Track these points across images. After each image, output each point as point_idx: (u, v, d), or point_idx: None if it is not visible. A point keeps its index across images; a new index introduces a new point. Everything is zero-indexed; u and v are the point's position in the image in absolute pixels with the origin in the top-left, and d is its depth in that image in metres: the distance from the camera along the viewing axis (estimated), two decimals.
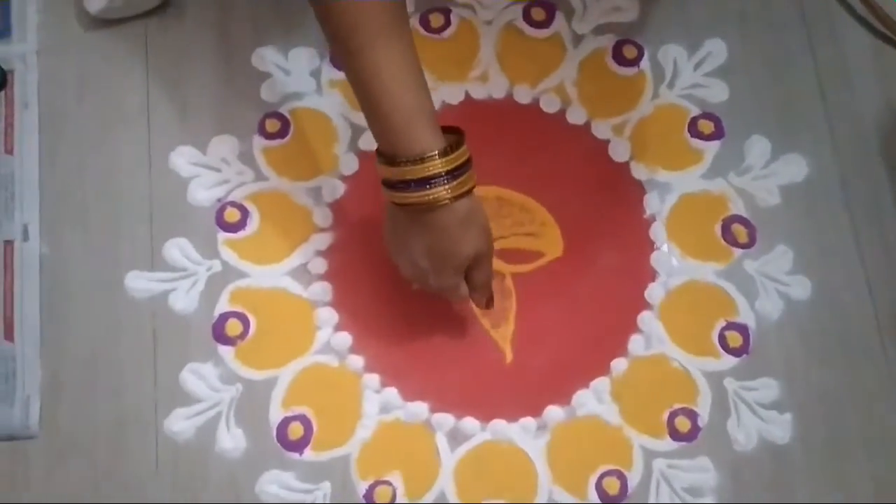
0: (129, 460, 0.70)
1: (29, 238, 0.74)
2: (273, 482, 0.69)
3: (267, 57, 0.80)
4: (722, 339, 0.74)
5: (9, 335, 0.72)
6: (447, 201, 0.59)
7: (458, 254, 0.63)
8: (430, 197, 0.59)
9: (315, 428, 0.71)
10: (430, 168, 0.58)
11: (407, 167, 0.59)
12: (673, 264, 0.76)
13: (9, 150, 0.76)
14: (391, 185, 0.61)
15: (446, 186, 0.59)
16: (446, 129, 0.61)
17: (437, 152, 0.58)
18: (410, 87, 0.59)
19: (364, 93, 0.59)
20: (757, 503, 0.70)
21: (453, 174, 0.59)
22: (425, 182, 0.59)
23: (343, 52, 0.59)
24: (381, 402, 0.72)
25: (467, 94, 0.80)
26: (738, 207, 0.77)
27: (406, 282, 0.73)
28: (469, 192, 0.61)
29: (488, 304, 0.69)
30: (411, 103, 0.58)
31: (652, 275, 0.75)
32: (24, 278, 0.73)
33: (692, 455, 0.71)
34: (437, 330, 0.74)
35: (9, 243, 0.74)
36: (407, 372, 0.72)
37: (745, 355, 0.73)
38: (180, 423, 0.70)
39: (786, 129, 0.79)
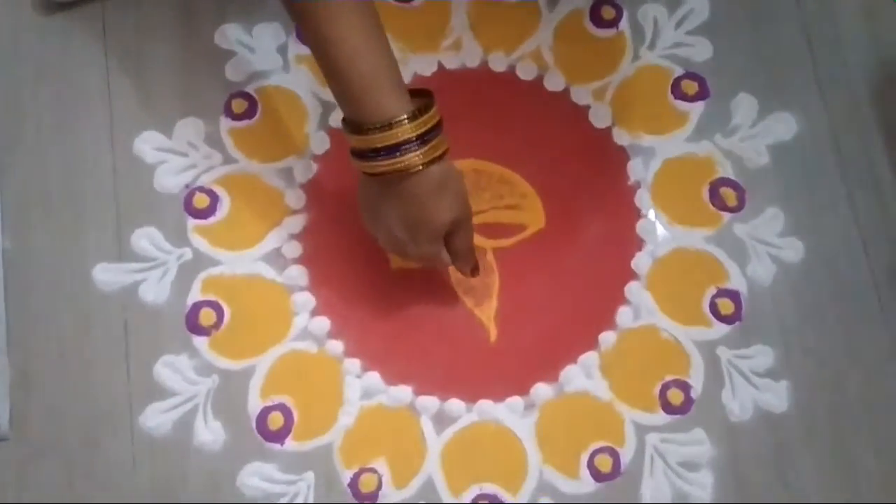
0: (105, 458, 0.67)
1: None
2: (255, 475, 0.67)
3: (230, 34, 0.77)
4: (713, 307, 0.71)
5: None
6: (419, 167, 0.57)
7: (435, 221, 0.60)
8: (401, 164, 0.57)
9: (296, 417, 0.68)
10: (399, 133, 0.56)
11: (375, 134, 0.57)
12: (660, 232, 0.73)
13: None
14: (360, 154, 0.59)
15: (417, 152, 0.57)
16: (414, 93, 0.59)
17: (405, 117, 0.56)
18: (373, 51, 0.56)
19: (325, 60, 0.57)
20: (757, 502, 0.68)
21: (423, 138, 0.57)
22: (395, 149, 0.56)
23: (302, 19, 0.57)
24: (362, 388, 0.69)
25: (440, 65, 0.77)
26: (725, 170, 0.75)
27: (385, 259, 0.71)
28: (442, 156, 0.59)
29: (473, 271, 0.67)
30: (374, 67, 0.56)
31: (638, 244, 0.73)
32: None
33: (686, 428, 0.68)
34: (419, 310, 0.71)
35: None
36: (388, 355, 0.70)
37: (737, 322, 0.71)
38: (156, 418, 0.68)
39: (773, 86, 0.77)
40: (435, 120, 0.58)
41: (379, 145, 0.57)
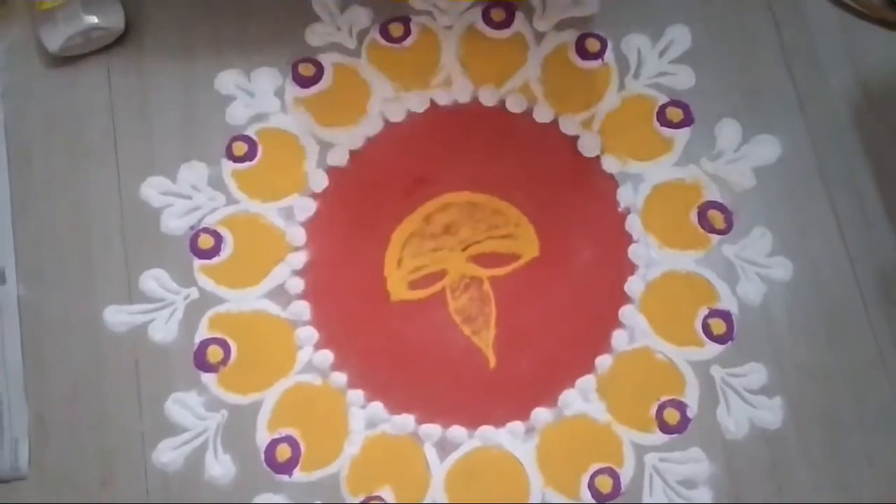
0: (120, 494, 0.70)
1: (6, 281, 0.74)
2: None
3: (229, 80, 0.80)
4: (705, 327, 0.73)
5: None
6: None
7: None
8: None
9: (303, 448, 0.71)
10: None
11: None
12: (651, 256, 0.75)
13: None
14: None
15: None
16: None
17: None
18: None
19: None
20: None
21: None
22: None
23: None
24: (366, 417, 0.71)
25: (432, 102, 0.79)
26: (712, 193, 0.77)
27: (385, 293, 0.74)
28: None
29: None
30: None
31: (631, 268, 0.75)
32: (5, 321, 0.73)
33: (683, 447, 0.70)
34: (419, 340, 0.73)
35: None
36: (390, 385, 0.72)
37: (730, 342, 0.73)
38: (168, 454, 0.70)
39: (756, 110, 0.79)
40: None
41: None
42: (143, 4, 0.82)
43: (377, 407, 0.72)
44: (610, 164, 0.78)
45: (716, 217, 0.76)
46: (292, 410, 0.72)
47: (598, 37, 0.81)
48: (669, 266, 0.75)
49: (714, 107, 0.79)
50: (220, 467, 0.70)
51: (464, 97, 0.80)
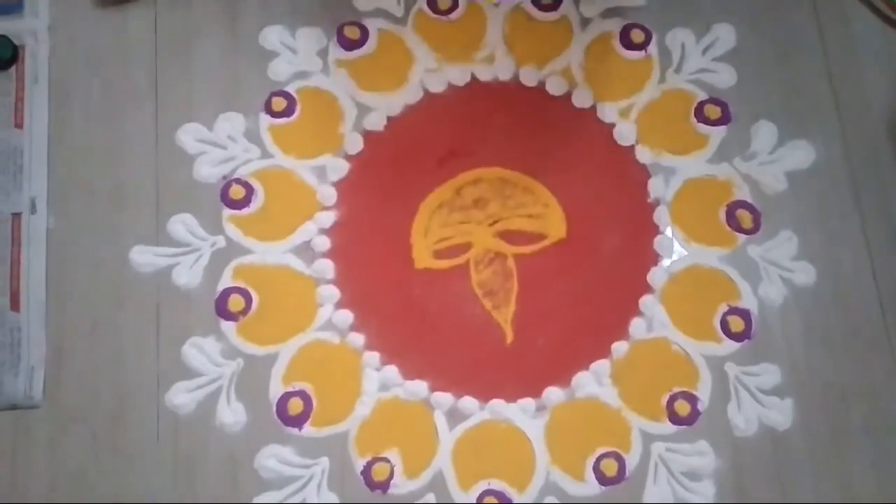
0: (131, 432, 0.70)
1: (36, 211, 0.75)
2: (272, 456, 0.69)
3: (274, 36, 0.80)
4: (724, 324, 0.73)
5: (15, 306, 0.72)
6: None
7: None
8: None
9: (315, 404, 0.71)
10: None
11: None
12: (676, 248, 0.75)
13: (19, 125, 0.77)
14: None
15: None
16: None
17: None
18: None
19: None
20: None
21: None
22: None
23: None
24: (380, 380, 0.72)
25: (473, 76, 0.80)
26: (743, 193, 0.77)
27: (410, 259, 0.74)
28: None
29: None
30: None
31: (655, 258, 0.75)
32: (31, 251, 0.74)
33: (691, 439, 0.70)
34: (439, 309, 0.74)
35: (17, 216, 0.75)
36: (407, 350, 0.73)
37: (746, 340, 0.73)
38: (181, 396, 0.71)
39: (793, 114, 0.79)
40: None
41: None
42: None
43: (392, 371, 0.72)
44: (644, 155, 0.78)
45: (744, 216, 0.76)
46: (308, 366, 0.72)
47: (643, 28, 0.81)
48: (693, 260, 0.75)
49: (752, 108, 0.79)
50: (231, 415, 0.70)
51: (505, 75, 0.80)
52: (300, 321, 0.73)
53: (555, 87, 0.80)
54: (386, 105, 0.79)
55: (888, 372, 0.72)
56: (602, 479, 0.69)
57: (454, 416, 0.71)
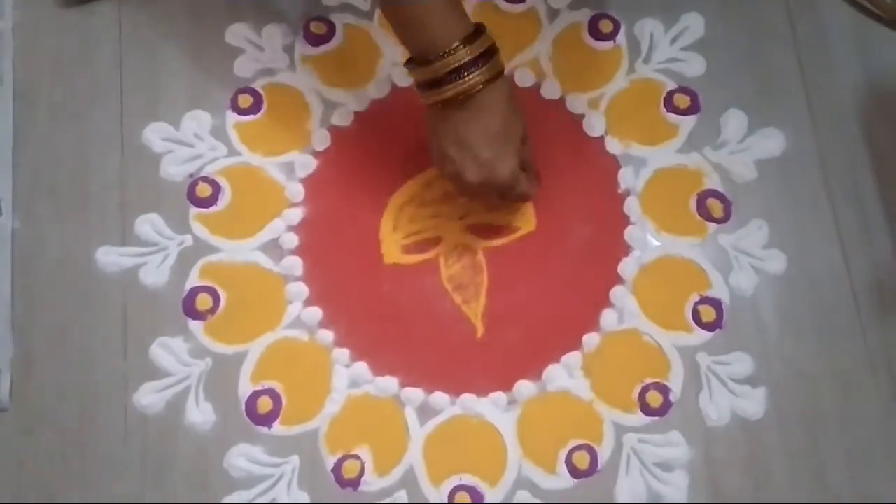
0: (99, 433, 0.70)
1: (2, 213, 0.74)
2: (241, 456, 0.69)
3: (240, 33, 0.80)
4: (695, 314, 0.73)
5: None
6: (481, 85, 0.62)
7: (517, 126, 0.67)
8: (466, 84, 0.62)
9: (284, 402, 0.71)
10: (457, 59, 0.61)
11: (438, 63, 0.61)
12: (647, 239, 0.75)
13: None
14: (430, 84, 0.63)
15: (478, 71, 0.62)
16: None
17: (459, 42, 0.61)
18: None
19: (395, 14, 0.63)
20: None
21: (481, 59, 0.62)
22: (457, 73, 0.62)
23: None
24: (350, 377, 0.71)
25: None
26: (713, 182, 0.76)
27: (378, 254, 0.73)
28: (501, 74, 0.64)
29: (539, 179, 0.72)
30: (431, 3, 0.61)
31: (626, 249, 0.75)
32: None
33: (663, 430, 0.70)
34: (409, 305, 0.73)
35: None
36: (377, 346, 0.72)
37: (718, 330, 0.72)
38: (149, 397, 0.70)
39: (763, 103, 0.78)
40: (490, 42, 0.63)
41: (442, 73, 0.62)
42: None
43: (362, 367, 0.71)
44: (613, 146, 0.78)
45: (715, 206, 0.76)
46: (277, 364, 0.72)
47: (611, 18, 0.81)
48: (664, 251, 0.75)
49: (722, 96, 0.78)
50: (200, 414, 0.70)
51: None
52: (269, 319, 0.73)
53: (523, 79, 0.79)
54: (354, 100, 0.78)
55: (861, 360, 0.72)
56: (574, 471, 0.69)
57: (425, 412, 0.71)
